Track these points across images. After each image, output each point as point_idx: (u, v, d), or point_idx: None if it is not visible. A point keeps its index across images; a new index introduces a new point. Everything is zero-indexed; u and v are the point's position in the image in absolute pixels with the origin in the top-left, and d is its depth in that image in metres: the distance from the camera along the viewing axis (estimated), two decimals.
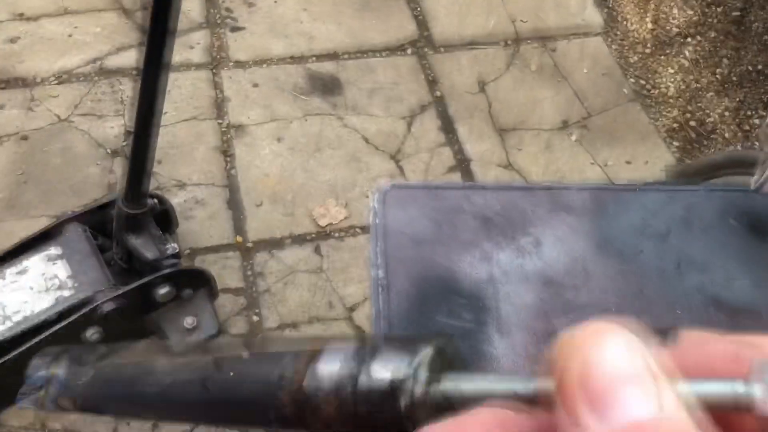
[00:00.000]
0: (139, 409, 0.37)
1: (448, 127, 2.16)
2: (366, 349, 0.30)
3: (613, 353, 0.24)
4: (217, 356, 0.35)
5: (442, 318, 0.87)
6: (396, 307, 0.90)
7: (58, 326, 1.50)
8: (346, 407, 0.30)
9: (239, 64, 2.20)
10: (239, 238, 1.86)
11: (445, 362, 0.31)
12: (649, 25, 2.55)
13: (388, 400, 0.29)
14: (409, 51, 2.32)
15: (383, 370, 0.29)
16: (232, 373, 0.33)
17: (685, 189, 1.07)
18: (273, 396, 0.31)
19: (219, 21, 2.31)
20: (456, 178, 2.06)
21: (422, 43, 2.35)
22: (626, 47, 2.48)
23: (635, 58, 2.45)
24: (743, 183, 1.27)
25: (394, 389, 0.29)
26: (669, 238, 0.99)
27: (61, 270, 1.58)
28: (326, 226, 1.90)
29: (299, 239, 1.88)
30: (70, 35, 2.21)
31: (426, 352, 0.29)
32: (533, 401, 0.28)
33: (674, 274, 0.87)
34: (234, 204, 1.92)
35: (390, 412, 0.29)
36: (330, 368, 0.31)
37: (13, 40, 2.18)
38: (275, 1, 2.38)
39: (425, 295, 0.90)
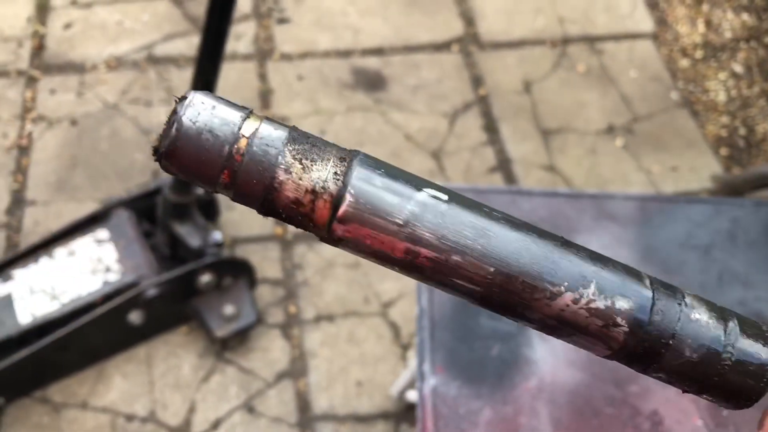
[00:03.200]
0: None
1: (491, 126, 2.15)
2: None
3: None
4: None
5: (484, 320, 0.88)
6: (439, 307, 0.90)
7: (103, 308, 1.54)
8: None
9: (285, 57, 2.22)
10: (280, 230, 1.89)
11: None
12: (701, 30, 2.50)
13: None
14: (455, 49, 2.31)
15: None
16: None
17: (731, 202, 1.05)
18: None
19: (267, 12, 2.33)
20: (497, 178, 2.05)
21: (468, 41, 2.34)
22: (676, 52, 2.44)
23: (685, 63, 2.41)
24: None
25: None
26: (712, 251, 0.98)
27: (109, 253, 1.62)
28: None
29: None
30: (120, 22, 2.25)
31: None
32: None
33: (716, 287, 0.86)
34: None
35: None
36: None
37: (66, 27, 2.23)
38: None
39: None
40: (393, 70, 2.23)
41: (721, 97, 2.34)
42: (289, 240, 1.87)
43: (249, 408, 1.64)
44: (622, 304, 0.30)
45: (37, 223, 1.85)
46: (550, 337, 0.87)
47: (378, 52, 2.27)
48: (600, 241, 0.95)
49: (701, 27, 2.50)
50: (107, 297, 1.56)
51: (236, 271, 1.64)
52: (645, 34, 2.44)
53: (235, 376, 1.68)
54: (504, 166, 2.08)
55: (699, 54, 2.44)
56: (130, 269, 1.59)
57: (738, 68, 2.42)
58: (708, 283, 0.93)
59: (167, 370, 1.67)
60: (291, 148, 0.29)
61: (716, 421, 0.79)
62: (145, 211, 1.70)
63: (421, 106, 2.17)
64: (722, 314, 0.31)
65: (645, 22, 2.47)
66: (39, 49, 2.18)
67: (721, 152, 2.22)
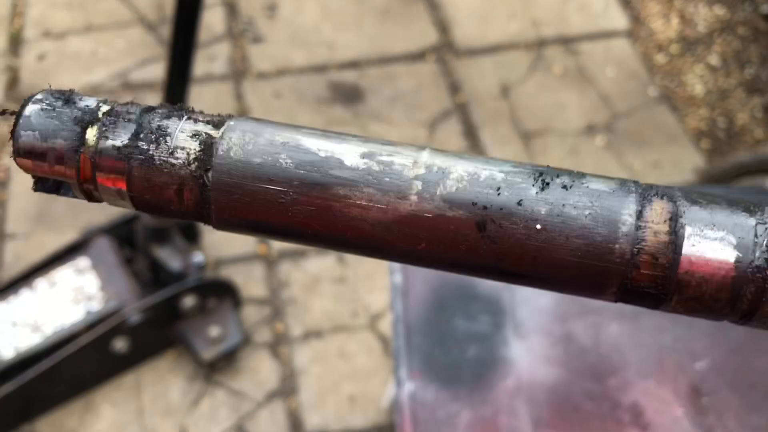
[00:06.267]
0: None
1: (471, 132, 2.15)
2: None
3: None
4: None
5: (459, 321, 0.87)
6: (414, 312, 0.89)
7: (86, 337, 1.52)
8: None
9: (261, 75, 2.22)
10: (263, 249, 1.87)
11: None
12: (675, 25, 2.51)
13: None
14: (430, 58, 2.32)
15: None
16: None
17: (699, 190, 1.04)
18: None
19: (241, 32, 2.33)
20: None
21: (444, 50, 2.34)
22: (652, 48, 2.45)
23: (661, 58, 2.42)
24: None
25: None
26: None
27: (90, 282, 1.61)
28: None
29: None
30: (95, 51, 2.25)
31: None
32: None
33: None
34: None
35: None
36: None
37: (40, 58, 2.23)
38: (297, 11, 2.40)
39: (443, 299, 0.90)
40: (369, 82, 2.23)
41: (699, 90, 2.35)
42: (274, 258, 1.86)
43: (240, 429, 1.62)
44: None
45: (18, 257, 1.84)
46: (527, 336, 0.86)
47: (354, 65, 2.27)
48: None
49: (675, 22, 2.51)
50: (90, 326, 1.54)
51: (219, 293, 1.63)
52: (620, 32, 2.45)
53: (225, 399, 1.66)
54: None
55: (675, 49, 2.45)
56: (112, 296, 1.58)
57: (714, 61, 2.42)
58: None
59: (156, 396, 1.65)
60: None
61: (697, 409, 0.78)
62: (126, 237, 1.69)
63: (399, 116, 2.16)
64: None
65: (619, 20, 2.48)
66: (13, 82, 2.17)
67: (702, 145, 2.22)
